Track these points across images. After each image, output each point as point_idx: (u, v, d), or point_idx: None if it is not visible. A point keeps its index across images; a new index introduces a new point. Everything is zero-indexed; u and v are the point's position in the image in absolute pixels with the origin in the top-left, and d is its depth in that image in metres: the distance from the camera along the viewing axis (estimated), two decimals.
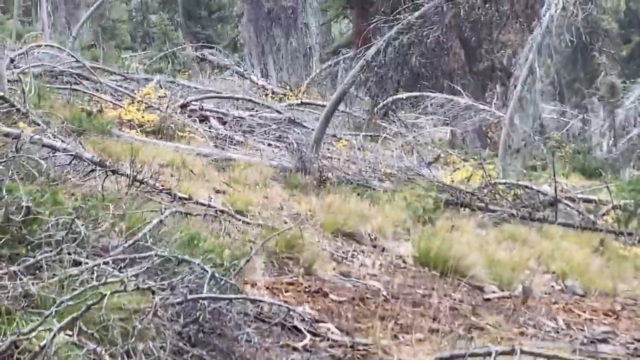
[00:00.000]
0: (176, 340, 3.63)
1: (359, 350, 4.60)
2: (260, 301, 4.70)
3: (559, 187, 12.75)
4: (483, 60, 21.53)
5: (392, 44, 11.96)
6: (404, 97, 18.61)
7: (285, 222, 7.71)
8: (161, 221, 5.04)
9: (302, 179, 11.06)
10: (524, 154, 14.71)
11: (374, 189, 11.29)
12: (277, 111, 16.48)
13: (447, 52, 16.46)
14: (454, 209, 11.05)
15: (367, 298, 5.89)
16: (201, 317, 3.75)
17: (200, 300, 3.76)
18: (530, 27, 14.42)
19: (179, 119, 13.57)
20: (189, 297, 3.75)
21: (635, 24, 44.02)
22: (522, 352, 3.91)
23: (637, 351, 5.45)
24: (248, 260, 5.17)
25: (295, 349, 4.44)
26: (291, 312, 4.74)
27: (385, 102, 17.18)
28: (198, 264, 3.98)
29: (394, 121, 18.37)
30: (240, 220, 7.37)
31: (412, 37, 11.92)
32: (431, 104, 18.39)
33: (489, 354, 3.84)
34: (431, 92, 18.75)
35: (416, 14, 12.19)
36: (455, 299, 6.43)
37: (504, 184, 12.33)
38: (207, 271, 3.92)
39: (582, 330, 6.09)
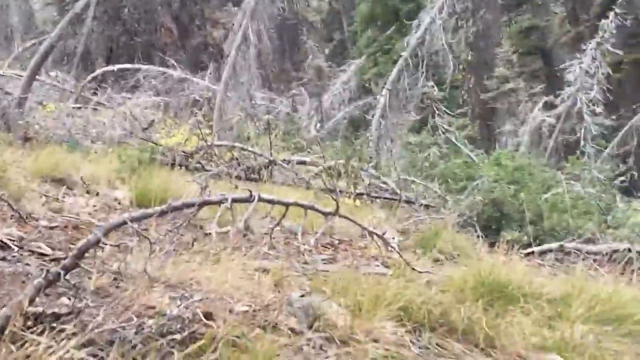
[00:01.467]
0: None
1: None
2: None
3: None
4: (196, 36, 21.53)
5: None
6: (116, 69, 18.13)
7: None
8: None
9: (6, 137, 10.32)
10: (238, 120, 14.87)
11: (85, 147, 10.83)
12: None
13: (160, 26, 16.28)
14: (171, 169, 10.86)
15: (81, 227, 5.54)
16: None
17: None
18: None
19: None
20: None
21: (337, 22, 46.55)
22: (261, 199, 3.86)
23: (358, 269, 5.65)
24: None
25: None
26: None
27: (96, 73, 16.62)
28: None
29: (106, 93, 17.76)
30: None
31: None
32: (145, 77, 18.04)
33: (225, 200, 3.73)
34: (144, 64, 18.44)
35: None
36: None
37: (220, 145, 12.36)
38: None
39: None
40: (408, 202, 11.59)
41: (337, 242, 7.30)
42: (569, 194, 10.54)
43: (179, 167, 11.10)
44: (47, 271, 3.20)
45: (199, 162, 11.49)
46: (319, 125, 27.42)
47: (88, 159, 9.66)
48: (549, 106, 21.49)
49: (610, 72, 21.09)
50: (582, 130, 19.48)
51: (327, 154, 13.69)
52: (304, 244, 6.26)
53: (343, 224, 7.48)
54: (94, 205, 6.92)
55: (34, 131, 10.90)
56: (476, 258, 6.42)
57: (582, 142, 19.31)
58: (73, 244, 4.87)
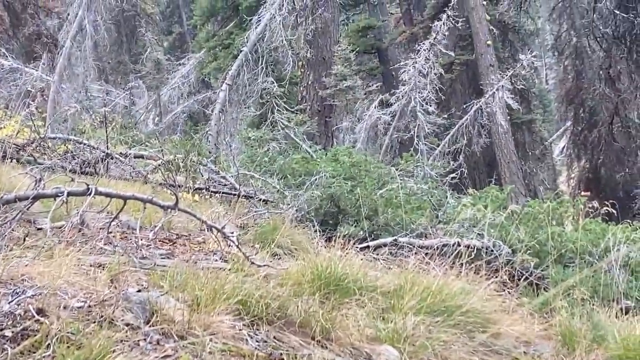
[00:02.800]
0: None
1: None
2: None
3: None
4: (29, 26, 20.66)
5: None
6: None
7: None
8: None
9: None
10: (73, 112, 14.42)
11: None
12: None
13: None
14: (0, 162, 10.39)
15: None
16: None
17: None
18: None
19: None
20: None
21: (176, 15, 45.95)
22: (98, 192, 3.79)
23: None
24: None
25: None
26: None
27: None
28: None
29: None
30: None
31: None
32: None
33: (61, 193, 3.63)
34: None
35: None
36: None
37: (54, 138, 11.96)
38: None
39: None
40: (247, 197, 11.64)
41: (175, 236, 7.26)
42: (402, 190, 10.92)
43: (9, 160, 10.65)
44: None
45: (31, 155, 11.07)
46: (157, 119, 27.05)
47: None
48: (384, 104, 22.11)
49: (443, 72, 22.00)
50: (416, 128, 20.19)
51: (166, 148, 13.53)
52: (141, 239, 6.19)
53: (182, 218, 7.46)
54: None
55: None
56: (314, 252, 6.55)
57: (415, 140, 20.02)
58: None
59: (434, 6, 27.07)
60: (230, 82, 13.32)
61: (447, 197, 12.50)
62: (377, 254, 8.56)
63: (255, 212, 10.11)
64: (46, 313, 3.38)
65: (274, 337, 4.09)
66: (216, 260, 6.16)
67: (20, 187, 7.13)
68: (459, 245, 8.31)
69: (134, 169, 11.93)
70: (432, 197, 12.00)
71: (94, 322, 3.53)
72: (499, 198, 10.98)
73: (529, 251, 8.35)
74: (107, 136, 12.48)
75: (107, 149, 11.87)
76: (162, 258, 5.89)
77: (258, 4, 19.31)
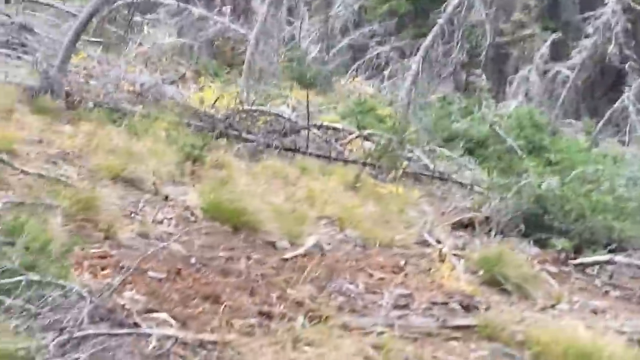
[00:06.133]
0: None
1: (207, 349, 4.43)
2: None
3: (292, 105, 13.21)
4: None
5: None
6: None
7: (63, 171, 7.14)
8: None
9: (50, 102, 10.25)
10: (266, 76, 14.73)
11: (125, 114, 10.75)
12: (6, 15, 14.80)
13: None
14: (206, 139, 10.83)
15: (181, 270, 5.66)
16: None
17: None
18: None
19: None
20: None
21: None
22: None
23: (445, 322, 5.81)
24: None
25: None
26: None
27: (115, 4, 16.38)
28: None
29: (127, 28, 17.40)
30: (18, 169, 6.67)
31: None
32: (166, 11, 17.72)
33: None
34: None
35: None
36: (260, 262, 6.44)
37: (255, 111, 12.33)
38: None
39: (380, 293, 6.35)
40: (441, 178, 11.73)
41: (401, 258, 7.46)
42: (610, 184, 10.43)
43: (218, 135, 11.08)
44: None
45: (236, 129, 11.48)
46: (322, 52, 26.97)
47: (136, 133, 9.66)
48: (563, 56, 21.40)
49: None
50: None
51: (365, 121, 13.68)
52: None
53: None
54: (171, 219, 7.03)
55: (76, 92, 10.81)
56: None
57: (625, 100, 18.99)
58: (187, 306, 5.01)
59: None
60: (424, 54, 13.23)
61: None
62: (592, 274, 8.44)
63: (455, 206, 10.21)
64: None
65: None
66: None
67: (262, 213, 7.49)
68: None
69: (328, 143, 12.11)
70: None
71: None
72: None
73: None
74: (307, 104, 12.65)
75: (308, 121, 12.12)
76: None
77: None
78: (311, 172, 10.39)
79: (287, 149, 11.45)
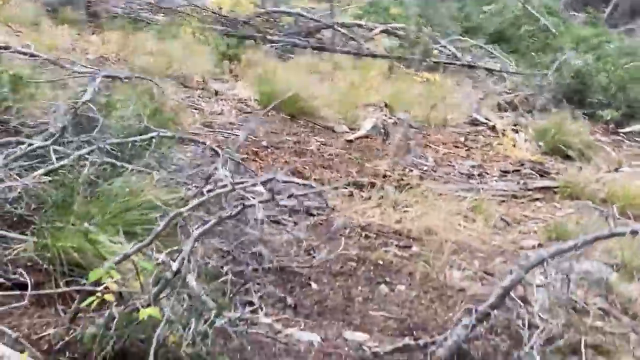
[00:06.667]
0: None
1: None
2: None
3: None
4: None
5: None
6: None
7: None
8: None
9: (72, 13, 10.02)
10: None
11: (148, 22, 10.53)
12: None
13: None
14: (239, 41, 10.65)
15: (258, 151, 5.63)
16: None
17: None
18: None
19: None
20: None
21: None
22: None
23: (526, 185, 5.79)
24: None
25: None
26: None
27: None
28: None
29: None
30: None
31: None
32: None
33: None
34: None
35: None
36: (326, 144, 6.39)
37: (275, 12, 12.08)
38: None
39: (451, 165, 6.33)
40: (470, 66, 11.55)
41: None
42: None
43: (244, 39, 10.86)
44: None
45: (260, 31, 11.25)
46: None
47: (164, 38, 9.47)
48: None
49: None
50: None
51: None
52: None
53: None
54: (230, 110, 6.96)
55: (95, 3, 10.59)
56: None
57: None
58: None
59: None
60: None
61: None
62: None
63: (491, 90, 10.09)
64: None
65: None
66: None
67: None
68: None
69: (354, 40, 11.89)
70: None
71: None
72: None
73: None
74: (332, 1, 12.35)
75: (333, 17, 11.87)
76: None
77: None
78: (344, 67, 10.22)
79: (315, 48, 11.25)
